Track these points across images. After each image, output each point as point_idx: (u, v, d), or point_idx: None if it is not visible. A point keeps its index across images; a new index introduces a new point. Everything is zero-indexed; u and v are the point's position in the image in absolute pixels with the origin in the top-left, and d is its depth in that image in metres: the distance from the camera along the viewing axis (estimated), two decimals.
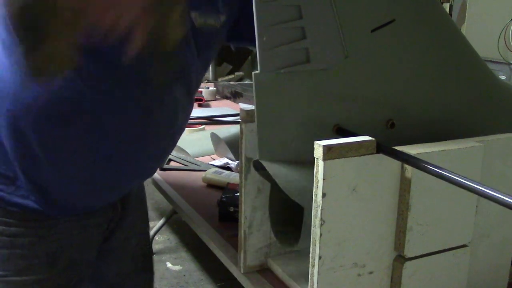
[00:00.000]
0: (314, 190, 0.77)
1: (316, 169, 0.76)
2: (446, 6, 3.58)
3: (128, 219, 1.21)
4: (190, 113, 1.12)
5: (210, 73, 4.37)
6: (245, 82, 3.63)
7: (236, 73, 4.57)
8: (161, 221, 2.69)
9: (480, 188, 0.65)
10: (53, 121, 0.92)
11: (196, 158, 1.88)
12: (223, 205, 1.37)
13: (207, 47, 1.08)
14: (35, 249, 1.03)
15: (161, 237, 2.85)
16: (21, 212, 1.00)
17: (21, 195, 0.99)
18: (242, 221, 1.07)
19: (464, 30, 3.32)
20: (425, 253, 0.87)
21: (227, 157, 1.82)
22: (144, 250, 1.33)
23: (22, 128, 0.92)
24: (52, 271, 1.07)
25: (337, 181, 0.77)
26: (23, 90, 0.89)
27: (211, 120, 2.32)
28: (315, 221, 0.78)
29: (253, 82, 0.81)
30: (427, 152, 0.82)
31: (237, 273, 1.13)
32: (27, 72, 0.82)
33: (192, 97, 1.10)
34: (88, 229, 1.10)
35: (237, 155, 1.17)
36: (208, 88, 2.81)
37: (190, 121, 2.29)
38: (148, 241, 1.35)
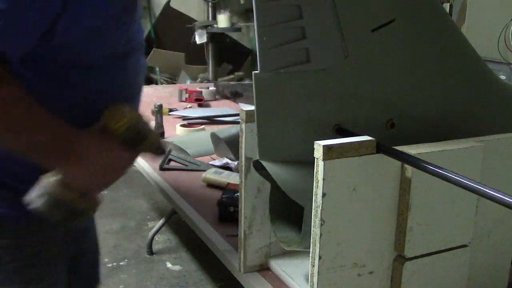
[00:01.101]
0: (314, 190, 0.77)
1: (316, 169, 0.76)
2: (446, 6, 3.58)
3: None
4: None
5: (210, 73, 4.38)
6: (245, 82, 3.64)
7: (236, 73, 4.58)
8: (161, 221, 2.69)
9: (480, 188, 0.65)
10: None
11: (196, 158, 1.88)
12: (223, 205, 1.37)
13: None
14: (41, 256, 1.03)
15: (161, 237, 2.85)
16: (21, 223, 0.99)
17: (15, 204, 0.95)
18: (242, 221, 1.07)
19: (464, 30, 3.32)
20: (425, 253, 0.87)
21: (227, 157, 1.82)
22: (97, 259, 1.32)
23: None
24: (56, 273, 1.07)
25: (337, 181, 0.77)
26: None
27: (211, 120, 2.32)
28: (315, 221, 0.78)
29: (253, 82, 0.81)
30: (427, 152, 0.82)
31: (237, 273, 1.13)
32: None
33: None
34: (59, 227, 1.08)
35: (237, 155, 1.17)
36: (208, 88, 2.81)
37: (190, 121, 2.30)
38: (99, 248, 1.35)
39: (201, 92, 2.70)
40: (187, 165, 1.81)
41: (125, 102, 1.01)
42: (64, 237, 1.09)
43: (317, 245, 0.78)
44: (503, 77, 3.01)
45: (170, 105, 2.57)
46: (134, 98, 1.10)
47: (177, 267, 2.61)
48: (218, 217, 1.38)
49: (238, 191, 1.09)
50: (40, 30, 0.88)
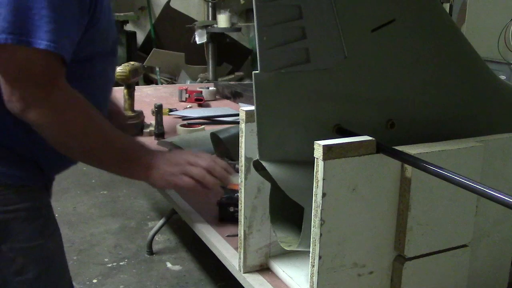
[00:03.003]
0: (314, 190, 0.77)
1: (316, 169, 0.76)
2: (446, 6, 3.58)
3: None
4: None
5: (210, 73, 4.38)
6: (245, 82, 3.64)
7: (236, 73, 4.58)
8: (161, 221, 2.69)
9: (480, 188, 0.65)
10: None
11: None
12: (223, 205, 1.37)
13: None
14: (51, 215, 1.18)
15: (161, 237, 2.85)
16: (36, 186, 1.14)
17: (30, 171, 1.12)
18: (242, 221, 1.07)
19: (464, 30, 3.32)
20: (425, 253, 0.87)
21: (227, 157, 1.82)
22: None
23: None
24: (58, 228, 1.21)
25: (337, 181, 0.77)
26: None
27: (211, 120, 2.31)
28: (315, 221, 0.78)
29: (253, 82, 0.81)
30: (427, 152, 0.82)
31: (237, 273, 1.13)
32: None
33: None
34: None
35: (237, 155, 1.17)
36: (208, 88, 2.81)
37: (190, 121, 2.30)
38: None
39: (201, 92, 2.69)
40: None
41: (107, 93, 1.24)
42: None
43: (317, 245, 0.78)
44: (503, 77, 3.01)
45: (170, 105, 2.57)
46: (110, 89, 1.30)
47: (177, 267, 2.61)
48: (218, 217, 1.38)
49: (238, 191, 1.09)
50: (78, 36, 1.04)
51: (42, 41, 0.95)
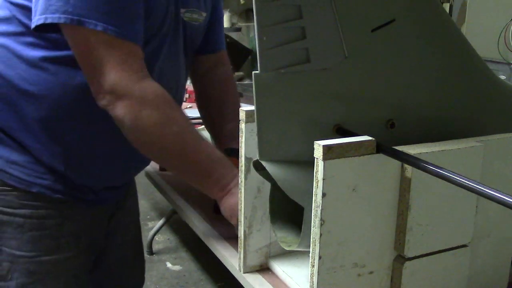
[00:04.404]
0: (314, 190, 0.77)
1: (316, 169, 0.76)
2: (446, 6, 3.57)
3: (128, 204, 1.33)
4: (183, 96, 1.34)
5: None
6: (245, 82, 3.64)
7: (236, 73, 4.57)
8: (161, 221, 2.69)
9: (480, 188, 0.65)
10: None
11: None
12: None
13: (192, 40, 1.25)
14: (62, 229, 1.11)
15: (161, 237, 2.85)
16: (46, 195, 1.08)
17: (40, 176, 1.08)
18: (242, 221, 1.07)
19: (464, 30, 3.32)
20: (425, 253, 0.87)
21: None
22: (138, 236, 1.44)
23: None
24: (77, 249, 1.15)
25: (337, 181, 0.77)
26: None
27: None
28: (315, 221, 0.78)
29: (253, 82, 0.81)
30: (427, 152, 0.82)
31: (237, 273, 1.13)
32: None
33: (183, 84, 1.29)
34: (102, 211, 1.21)
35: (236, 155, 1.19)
36: None
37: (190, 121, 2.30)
38: (140, 228, 1.45)
39: None
40: None
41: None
42: (94, 216, 1.20)
43: (317, 245, 0.78)
44: (503, 77, 3.01)
45: None
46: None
47: (177, 267, 2.61)
48: (213, 209, 1.37)
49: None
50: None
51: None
